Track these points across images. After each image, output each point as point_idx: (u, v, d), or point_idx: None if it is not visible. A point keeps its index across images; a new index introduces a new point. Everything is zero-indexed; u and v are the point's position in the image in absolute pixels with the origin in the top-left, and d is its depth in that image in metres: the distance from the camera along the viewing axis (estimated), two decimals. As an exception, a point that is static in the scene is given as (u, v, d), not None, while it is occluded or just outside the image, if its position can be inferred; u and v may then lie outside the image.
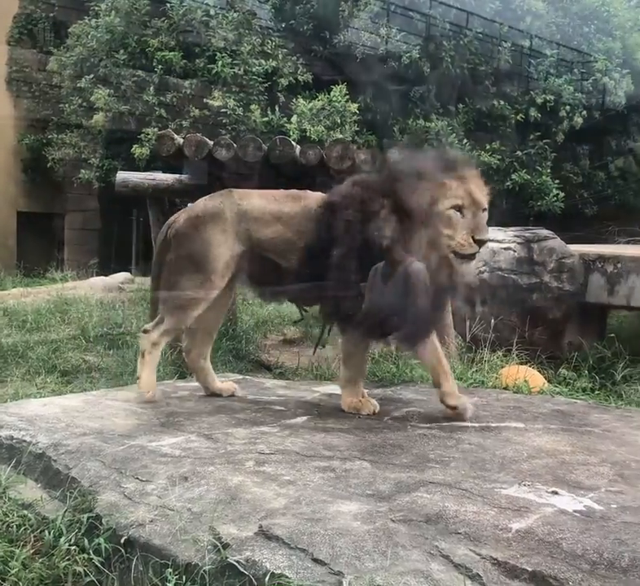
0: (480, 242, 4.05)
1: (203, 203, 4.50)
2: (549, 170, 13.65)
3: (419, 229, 4.01)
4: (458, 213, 4.00)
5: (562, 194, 12.95)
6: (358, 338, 4.36)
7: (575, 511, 2.93)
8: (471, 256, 4.08)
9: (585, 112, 12.47)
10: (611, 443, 3.94)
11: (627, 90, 12.26)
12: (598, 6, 13.27)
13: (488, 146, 13.67)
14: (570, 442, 3.92)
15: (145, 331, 4.55)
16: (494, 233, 7.49)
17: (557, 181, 13.51)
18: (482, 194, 4.09)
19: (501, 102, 13.77)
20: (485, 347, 6.12)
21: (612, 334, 6.54)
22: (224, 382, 4.92)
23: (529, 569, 2.43)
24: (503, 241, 7.59)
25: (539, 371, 6.02)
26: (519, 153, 13.73)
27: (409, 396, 4.85)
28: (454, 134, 13.44)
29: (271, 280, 4.40)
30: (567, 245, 6.83)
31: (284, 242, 4.29)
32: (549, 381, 5.39)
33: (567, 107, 12.97)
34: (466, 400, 4.32)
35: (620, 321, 7.67)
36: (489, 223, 4.18)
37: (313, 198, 4.37)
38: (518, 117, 13.65)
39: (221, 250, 4.34)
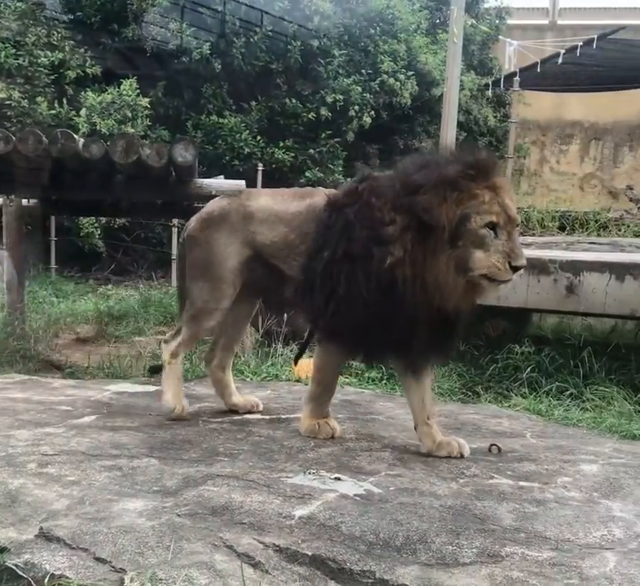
0: (516, 269, 3.42)
1: (212, 204, 4.24)
2: (341, 168, 14.06)
3: (444, 249, 3.38)
4: (492, 232, 3.38)
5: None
6: (339, 352, 3.87)
7: (356, 495, 3.06)
8: (505, 282, 3.48)
9: (373, 112, 12.92)
10: (393, 429, 4.14)
11: (412, 91, 12.84)
12: (383, 9, 13.80)
13: (281, 144, 13.88)
14: (355, 429, 4.08)
15: (165, 342, 4.29)
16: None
17: (348, 179, 13.91)
18: (515, 209, 3.50)
19: (293, 101, 14.02)
20: (279, 340, 6.22)
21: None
22: (246, 396, 4.52)
23: (309, 553, 2.51)
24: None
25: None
26: (311, 151, 14.04)
27: (202, 392, 4.86)
28: (248, 131, 13.54)
29: (274, 289, 4.05)
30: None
31: (286, 246, 3.93)
32: (341, 373, 5.54)
33: (356, 107, 13.41)
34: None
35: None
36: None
37: (321, 196, 3.90)
38: (309, 116, 13.95)
39: (226, 255, 4.03)
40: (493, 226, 3.38)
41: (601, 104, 16.11)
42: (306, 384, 5.24)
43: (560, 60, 12.42)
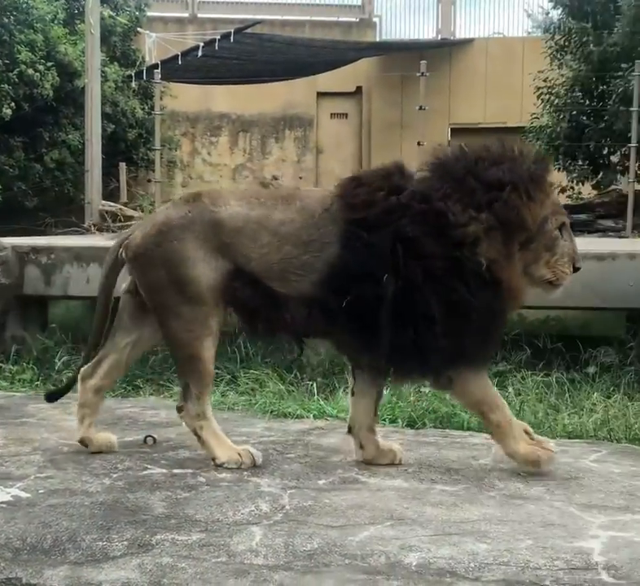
0: (577, 271, 3.42)
1: (164, 214, 3.47)
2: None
3: (516, 251, 3.25)
4: (559, 234, 3.34)
5: (-1, 188, 12.66)
6: (483, 369, 3.44)
7: (2, 502, 2.92)
8: (561, 286, 3.41)
9: (13, 104, 12.27)
10: (45, 430, 4.00)
11: (53, 83, 12.39)
12: (16, -2, 13.10)
13: None
14: (3, 435, 3.88)
15: (179, 409, 3.48)
16: None
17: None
18: None
19: None
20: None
21: (54, 324, 6.61)
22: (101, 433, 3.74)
23: (-52, 570, 2.36)
24: None
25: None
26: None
27: None
28: None
29: (266, 312, 3.35)
30: (1, 238, 6.69)
31: (281, 259, 3.30)
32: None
33: (-6, 99, 12.65)
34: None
35: (64, 311, 7.77)
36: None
37: (312, 198, 3.43)
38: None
39: (198, 266, 3.31)
40: (562, 227, 3.35)
41: (246, 97, 16.75)
42: None
43: (200, 53, 12.65)
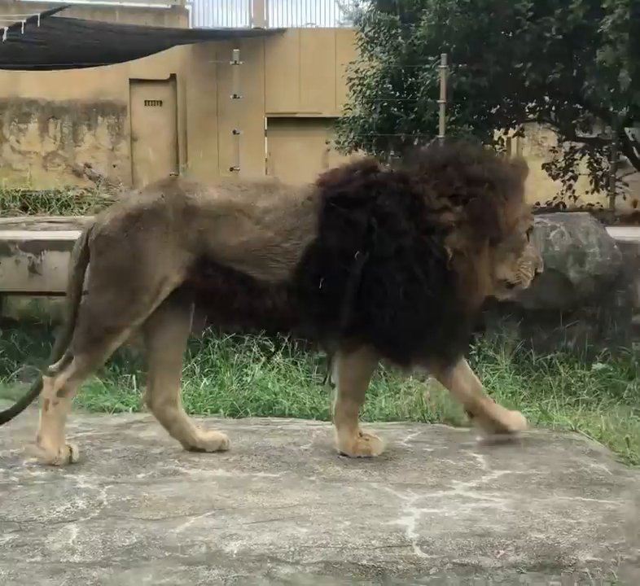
0: (537, 276, 3.48)
1: (137, 198, 3.41)
2: None
3: (485, 249, 3.29)
4: (527, 238, 3.41)
5: None
6: (374, 359, 3.56)
7: None
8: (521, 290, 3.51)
9: None
10: None
11: None
12: None
13: None
14: None
15: (49, 375, 3.34)
16: None
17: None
18: None
19: None
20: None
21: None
22: (208, 431, 3.63)
23: None
24: None
25: None
26: None
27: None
28: None
29: (239, 299, 3.28)
30: None
31: (264, 247, 3.26)
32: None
33: None
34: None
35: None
36: None
37: (295, 188, 3.44)
38: None
39: (158, 260, 3.25)
40: (530, 231, 3.42)
41: (56, 83, 16.05)
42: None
43: (5, 37, 12.04)
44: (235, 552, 2.50)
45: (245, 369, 4.91)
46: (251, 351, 5.14)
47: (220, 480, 3.15)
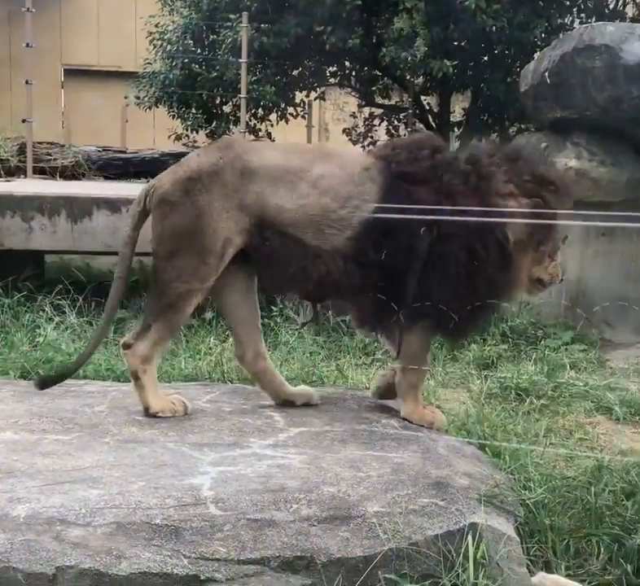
0: (561, 282, 3.72)
1: (196, 160, 3.43)
2: None
3: (534, 245, 3.45)
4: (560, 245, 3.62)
5: None
6: (432, 334, 3.61)
7: None
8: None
9: None
10: None
11: None
12: None
13: None
14: None
15: (126, 346, 3.41)
16: None
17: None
18: None
19: None
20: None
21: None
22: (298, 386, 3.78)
23: None
24: None
25: None
26: None
27: None
28: None
29: (294, 264, 3.33)
30: None
31: (319, 212, 3.30)
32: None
33: None
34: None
35: None
36: None
37: (350, 156, 3.59)
38: None
39: (221, 223, 3.30)
40: (564, 240, 3.61)
41: None
42: None
43: None
44: (23, 515, 2.41)
45: (38, 330, 4.72)
46: (43, 311, 4.94)
47: (7, 443, 3.02)
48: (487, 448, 3.43)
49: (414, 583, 2.41)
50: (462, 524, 2.58)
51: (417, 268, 3.32)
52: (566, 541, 2.90)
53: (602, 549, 2.88)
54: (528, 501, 2.97)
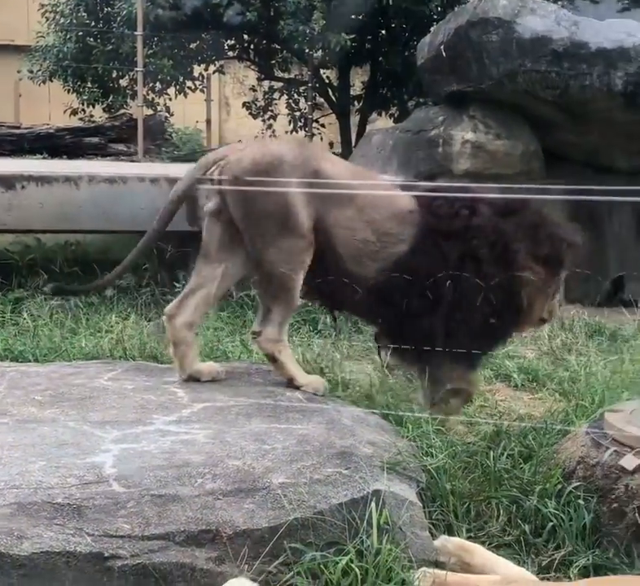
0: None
1: (276, 147, 3.56)
2: None
3: (547, 296, 3.83)
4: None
5: None
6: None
7: None
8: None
9: None
10: None
11: None
12: None
13: None
14: None
15: (255, 334, 3.61)
16: None
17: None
18: None
19: None
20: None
21: None
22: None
23: None
24: None
25: None
26: None
27: None
28: None
29: (328, 270, 3.54)
30: None
31: (360, 240, 3.55)
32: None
33: None
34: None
35: None
36: None
37: (405, 198, 3.66)
38: None
39: (302, 205, 3.44)
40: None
41: None
42: None
43: None
44: None
45: None
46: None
47: None
48: (390, 418, 3.49)
49: (319, 551, 2.44)
50: (365, 492, 2.62)
51: (442, 311, 3.62)
52: (467, 505, 2.98)
53: (501, 511, 2.96)
54: (429, 467, 3.03)
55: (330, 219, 3.51)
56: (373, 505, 2.56)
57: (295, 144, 3.69)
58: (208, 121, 13.64)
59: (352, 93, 11.70)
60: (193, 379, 3.58)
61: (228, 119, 15.85)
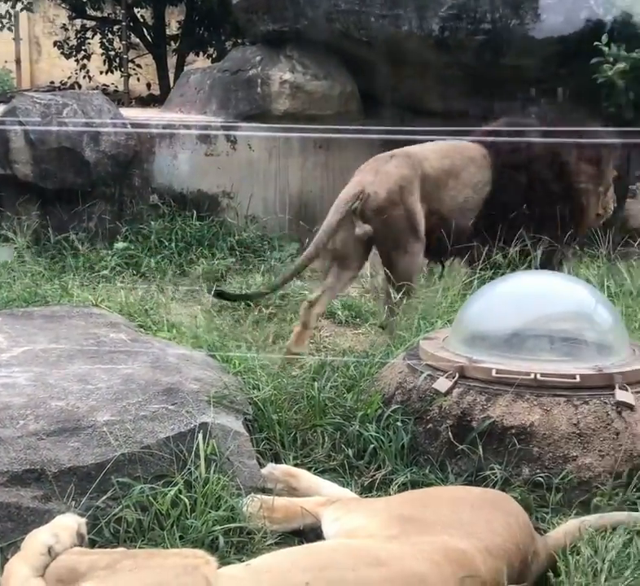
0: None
1: (397, 172, 4.38)
2: None
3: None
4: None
5: None
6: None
7: None
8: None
9: None
10: None
11: None
12: None
13: None
14: None
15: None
16: None
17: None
18: None
19: None
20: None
21: None
22: None
23: None
24: None
25: None
26: None
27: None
28: None
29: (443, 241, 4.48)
30: None
31: (464, 199, 4.65)
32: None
33: None
34: None
35: None
36: None
37: (474, 148, 4.75)
38: None
39: (420, 214, 4.39)
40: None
41: None
42: None
43: None
44: None
45: None
46: None
47: None
48: (217, 355, 3.51)
49: (147, 483, 2.45)
50: (192, 425, 2.66)
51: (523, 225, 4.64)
52: (293, 434, 3.07)
53: (326, 438, 3.07)
54: (256, 400, 3.10)
55: (440, 200, 4.50)
56: (200, 437, 2.60)
57: (403, 159, 4.41)
58: (18, 61, 12.87)
59: (168, 32, 11.35)
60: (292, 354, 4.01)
61: (39, 59, 14.98)
